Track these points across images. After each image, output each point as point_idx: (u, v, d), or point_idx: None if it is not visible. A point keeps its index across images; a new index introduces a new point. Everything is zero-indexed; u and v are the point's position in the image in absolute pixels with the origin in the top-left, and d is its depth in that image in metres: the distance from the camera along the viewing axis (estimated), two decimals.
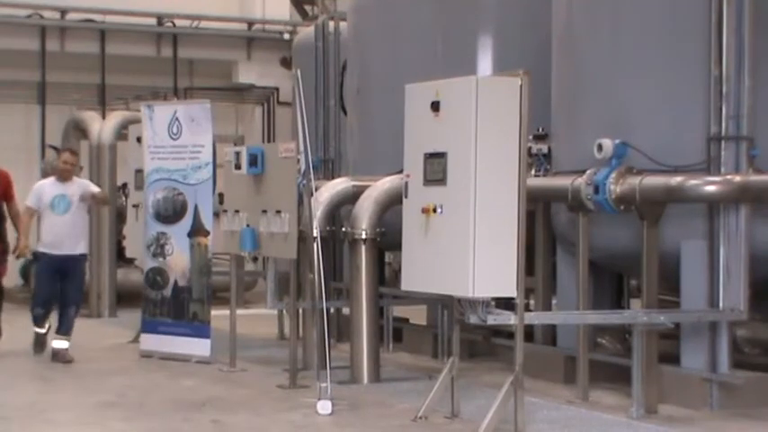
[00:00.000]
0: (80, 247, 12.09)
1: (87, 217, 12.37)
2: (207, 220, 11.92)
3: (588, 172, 9.44)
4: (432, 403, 8.73)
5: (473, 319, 8.31)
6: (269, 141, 20.09)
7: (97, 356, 12.25)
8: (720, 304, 9.06)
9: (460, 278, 8.03)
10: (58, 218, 11.95)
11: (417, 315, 13.22)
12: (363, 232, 10.60)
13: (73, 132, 17.12)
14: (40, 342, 12.23)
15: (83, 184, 12.42)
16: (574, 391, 9.66)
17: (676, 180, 9.00)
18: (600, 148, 9.33)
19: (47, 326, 12.20)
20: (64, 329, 11.95)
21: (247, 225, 10.68)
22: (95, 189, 12.54)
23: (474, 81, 8.14)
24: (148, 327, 12.22)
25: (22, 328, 12.21)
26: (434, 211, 8.24)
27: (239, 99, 21.38)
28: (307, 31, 16.57)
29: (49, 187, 12.18)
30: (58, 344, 11.85)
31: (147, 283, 12.28)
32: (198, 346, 11.74)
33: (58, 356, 11.78)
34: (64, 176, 12.13)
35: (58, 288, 12.02)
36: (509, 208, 8.00)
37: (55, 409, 9.36)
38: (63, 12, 20.03)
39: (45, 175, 18.06)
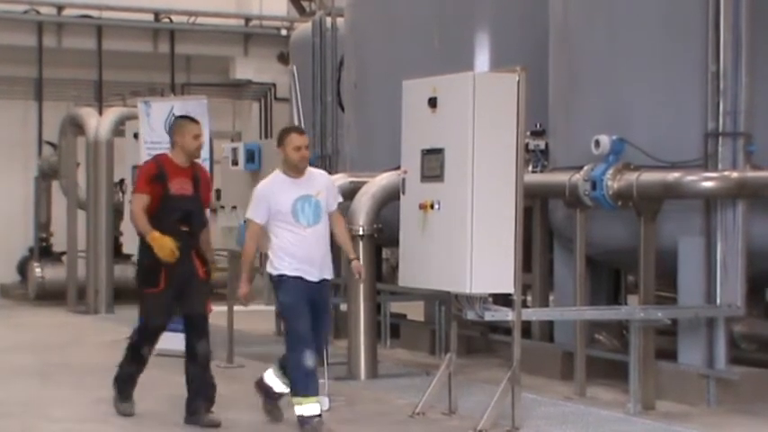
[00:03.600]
0: (330, 268, 8.37)
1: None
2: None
3: (585, 168, 9.44)
4: (429, 399, 8.73)
5: (470, 316, 8.31)
6: (266, 137, 20.07)
7: (95, 353, 12.24)
8: (717, 300, 9.07)
9: (458, 274, 8.03)
10: (307, 231, 8.14)
11: (415, 311, 13.22)
12: (361, 228, 10.59)
13: (70, 128, 17.12)
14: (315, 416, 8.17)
15: (324, 178, 8.56)
16: (571, 387, 9.67)
17: (673, 176, 9.00)
18: (597, 144, 9.33)
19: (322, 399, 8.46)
20: None
21: (244, 221, 10.65)
22: (338, 197, 8.50)
23: (471, 77, 8.14)
24: None
25: (20, 325, 12.25)
26: (432, 207, 8.25)
27: (236, 95, 21.37)
28: (304, 27, 16.55)
29: (282, 188, 8.22)
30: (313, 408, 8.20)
31: None
32: None
33: (308, 426, 8.14)
34: (300, 168, 8.25)
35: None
36: (506, 204, 8.01)
37: (54, 405, 9.35)
38: (60, 8, 20.04)
39: (42, 172, 18.12)
